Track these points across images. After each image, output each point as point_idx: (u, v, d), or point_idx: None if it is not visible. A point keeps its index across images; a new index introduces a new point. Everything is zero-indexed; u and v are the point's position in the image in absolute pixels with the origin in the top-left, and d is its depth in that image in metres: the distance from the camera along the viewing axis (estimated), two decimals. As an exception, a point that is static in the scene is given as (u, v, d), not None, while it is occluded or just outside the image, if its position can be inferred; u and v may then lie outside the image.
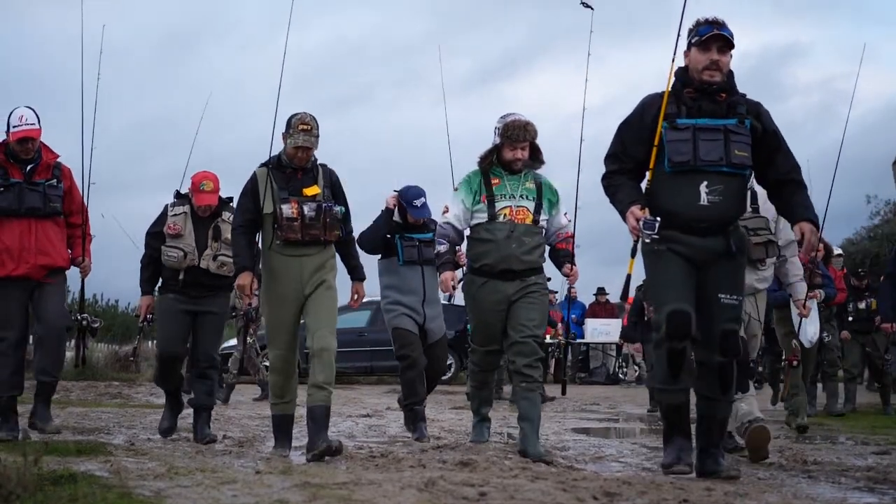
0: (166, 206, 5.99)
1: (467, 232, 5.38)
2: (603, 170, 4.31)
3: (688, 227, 4.08)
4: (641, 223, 4.02)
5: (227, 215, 5.86)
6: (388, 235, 6.25)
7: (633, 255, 4.22)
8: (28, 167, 5.42)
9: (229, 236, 5.52)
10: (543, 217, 5.26)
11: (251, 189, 5.12)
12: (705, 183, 4.07)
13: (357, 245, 5.58)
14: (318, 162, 5.25)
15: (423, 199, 6.30)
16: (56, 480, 3.24)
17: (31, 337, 5.66)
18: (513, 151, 5.18)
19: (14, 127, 5.37)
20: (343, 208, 5.19)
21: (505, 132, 5.17)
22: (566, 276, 5.41)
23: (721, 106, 4.14)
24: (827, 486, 3.98)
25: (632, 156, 4.21)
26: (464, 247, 5.61)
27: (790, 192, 4.20)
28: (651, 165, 4.16)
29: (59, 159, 5.59)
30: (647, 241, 4.06)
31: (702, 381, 4.18)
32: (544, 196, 5.29)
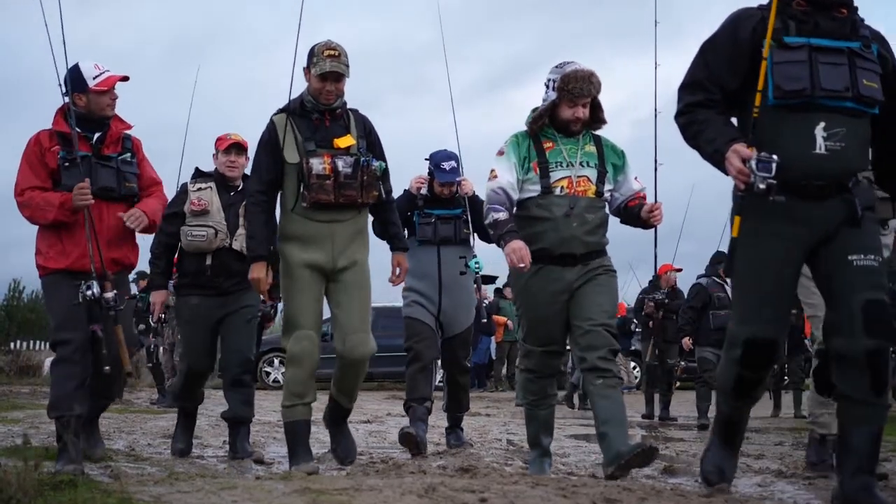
0: (185, 185, 5.20)
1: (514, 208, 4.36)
2: (677, 105, 3.37)
3: (796, 186, 3.11)
4: (754, 162, 3.00)
5: None
6: (409, 213, 5.52)
7: (739, 211, 3.16)
8: (95, 137, 4.39)
9: None
10: (608, 187, 4.29)
11: (269, 140, 4.23)
12: (822, 124, 3.12)
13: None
14: (349, 106, 4.39)
15: (453, 163, 5.57)
16: (56, 485, 3.23)
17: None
18: (572, 109, 4.20)
19: (94, 78, 4.34)
20: (382, 163, 4.34)
21: (564, 85, 4.17)
22: (648, 214, 4.26)
23: (843, 23, 3.20)
24: (827, 493, 3.98)
25: (720, 84, 3.26)
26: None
27: None
28: (757, 102, 3.13)
29: (129, 131, 4.55)
30: (762, 186, 2.99)
31: (843, 378, 3.15)
32: (607, 160, 4.32)
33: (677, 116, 3.33)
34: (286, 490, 3.22)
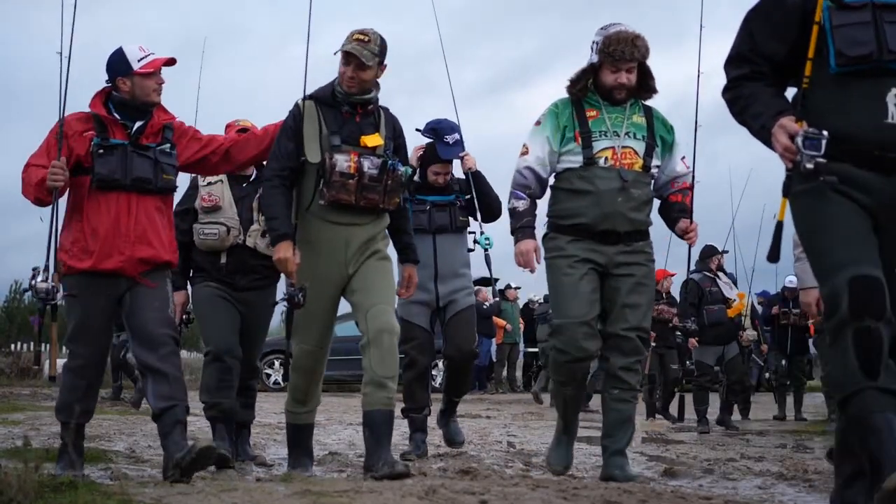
0: (195, 179, 4.87)
1: (551, 180, 4.15)
2: (724, 80, 3.05)
3: (867, 157, 2.74)
4: (800, 139, 2.65)
5: None
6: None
7: (787, 192, 2.82)
8: (136, 126, 4.04)
9: None
10: (655, 161, 4.07)
11: (293, 127, 3.99)
12: (894, 91, 2.71)
13: None
14: (381, 105, 4.10)
15: (456, 136, 5.19)
16: (56, 487, 3.23)
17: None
18: (615, 74, 3.96)
19: (139, 60, 4.02)
20: (408, 168, 4.11)
21: (605, 48, 3.92)
22: (682, 233, 4.14)
23: None
24: (827, 495, 3.97)
25: (766, 55, 2.91)
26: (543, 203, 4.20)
27: None
28: (807, 72, 2.79)
29: (172, 122, 4.18)
30: (810, 165, 2.64)
31: None
32: (657, 133, 4.08)
33: (724, 92, 3.02)
34: (287, 492, 3.21)
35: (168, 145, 4.07)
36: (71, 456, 3.97)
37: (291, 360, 4.17)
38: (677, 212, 4.15)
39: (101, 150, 3.91)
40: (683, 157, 4.19)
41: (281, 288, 4.60)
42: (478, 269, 5.55)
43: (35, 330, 4.15)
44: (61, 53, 4.18)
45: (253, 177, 4.80)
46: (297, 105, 4.01)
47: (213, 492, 3.27)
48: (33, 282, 3.95)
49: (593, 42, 4.01)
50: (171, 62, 4.09)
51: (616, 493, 3.43)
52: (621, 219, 3.94)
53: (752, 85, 2.93)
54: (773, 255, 2.97)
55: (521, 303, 17.12)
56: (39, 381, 14.91)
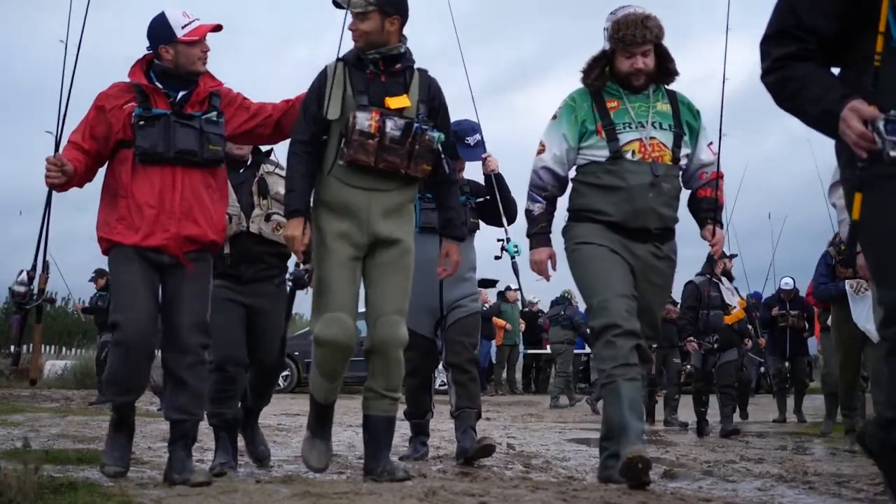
0: None
1: (572, 173, 3.93)
2: (763, 63, 2.60)
3: None
4: (882, 124, 2.27)
5: (269, 166, 4.52)
6: None
7: (861, 186, 2.40)
8: (179, 94, 3.79)
9: (281, 190, 4.23)
10: (685, 151, 3.84)
11: (318, 89, 3.74)
12: None
13: None
14: (416, 66, 3.83)
15: (478, 137, 4.93)
16: (56, 489, 3.23)
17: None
18: (630, 60, 3.73)
19: (183, 27, 3.76)
20: (441, 134, 3.75)
21: (616, 33, 3.72)
22: (706, 240, 3.94)
23: None
24: (827, 497, 3.98)
25: (813, 30, 2.50)
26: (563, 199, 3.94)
27: None
28: (878, 48, 2.36)
29: (219, 89, 3.90)
30: (894, 153, 2.27)
31: None
32: (683, 119, 3.84)
33: (765, 75, 2.59)
34: (286, 494, 3.21)
35: (214, 113, 3.80)
36: (118, 448, 3.79)
37: (314, 340, 3.76)
38: (706, 210, 3.95)
39: (141, 122, 3.67)
40: (710, 144, 3.96)
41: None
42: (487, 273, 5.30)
43: (14, 332, 4.01)
44: (66, 42, 4.06)
45: (249, 161, 4.57)
46: (325, 68, 3.78)
47: (212, 493, 3.27)
48: (13, 285, 3.85)
49: (604, 28, 3.82)
50: (217, 28, 3.84)
51: (615, 495, 3.43)
52: (653, 215, 3.75)
53: (803, 66, 2.51)
54: (848, 260, 2.46)
55: (520, 304, 17.12)
56: (39, 383, 14.92)
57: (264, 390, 4.72)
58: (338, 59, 3.75)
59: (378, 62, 3.72)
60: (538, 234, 3.86)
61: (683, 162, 3.87)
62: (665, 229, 3.84)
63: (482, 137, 4.97)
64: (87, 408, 9.96)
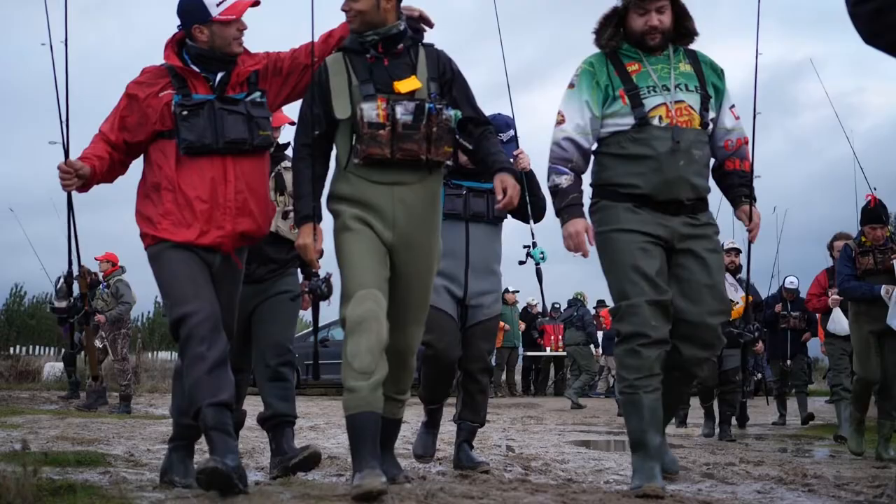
0: None
1: (594, 146, 3.66)
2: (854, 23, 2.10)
3: None
4: None
5: (287, 162, 4.23)
6: None
7: None
8: (218, 77, 3.49)
9: None
10: (712, 114, 3.59)
11: (319, 83, 3.45)
12: None
13: None
14: (423, 42, 3.54)
15: (511, 133, 4.75)
16: (55, 491, 3.23)
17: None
18: (645, 17, 3.48)
19: (218, 5, 3.43)
20: (458, 112, 3.45)
21: None
22: (742, 221, 3.69)
23: None
24: (827, 499, 3.97)
25: None
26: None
27: None
28: None
29: (259, 70, 3.58)
30: None
31: None
32: (708, 80, 3.59)
33: (859, 3, 2.06)
34: (286, 496, 3.21)
35: (258, 94, 3.52)
36: (218, 446, 3.32)
37: (345, 326, 3.37)
38: (738, 186, 3.67)
39: (185, 112, 3.37)
40: (733, 107, 3.68)
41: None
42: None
43: (66, 338, 4.06)
44: (51, 46, 4.06)
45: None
46: (324, 62, 3.50)
47: (211, 496, 3.26)
48: (54, 301, 3.85)
49: None
50: (256, 3, 3.52)
51: (615, 498, 3.43)
52: (685, 185, 3.47)
53: None
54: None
55: (519, 306, 17.14)
56: (38, 385, 14.92)
57: (274, 394, 4.28)
58: (338, 49, 3.52)
59: (377, 45, 3.43)
60: (570, 205, 3.51)
61: (710, 126, 3.63)
62: (698, 199, 3.57)
63: (515, 134, 4.79)
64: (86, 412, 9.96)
